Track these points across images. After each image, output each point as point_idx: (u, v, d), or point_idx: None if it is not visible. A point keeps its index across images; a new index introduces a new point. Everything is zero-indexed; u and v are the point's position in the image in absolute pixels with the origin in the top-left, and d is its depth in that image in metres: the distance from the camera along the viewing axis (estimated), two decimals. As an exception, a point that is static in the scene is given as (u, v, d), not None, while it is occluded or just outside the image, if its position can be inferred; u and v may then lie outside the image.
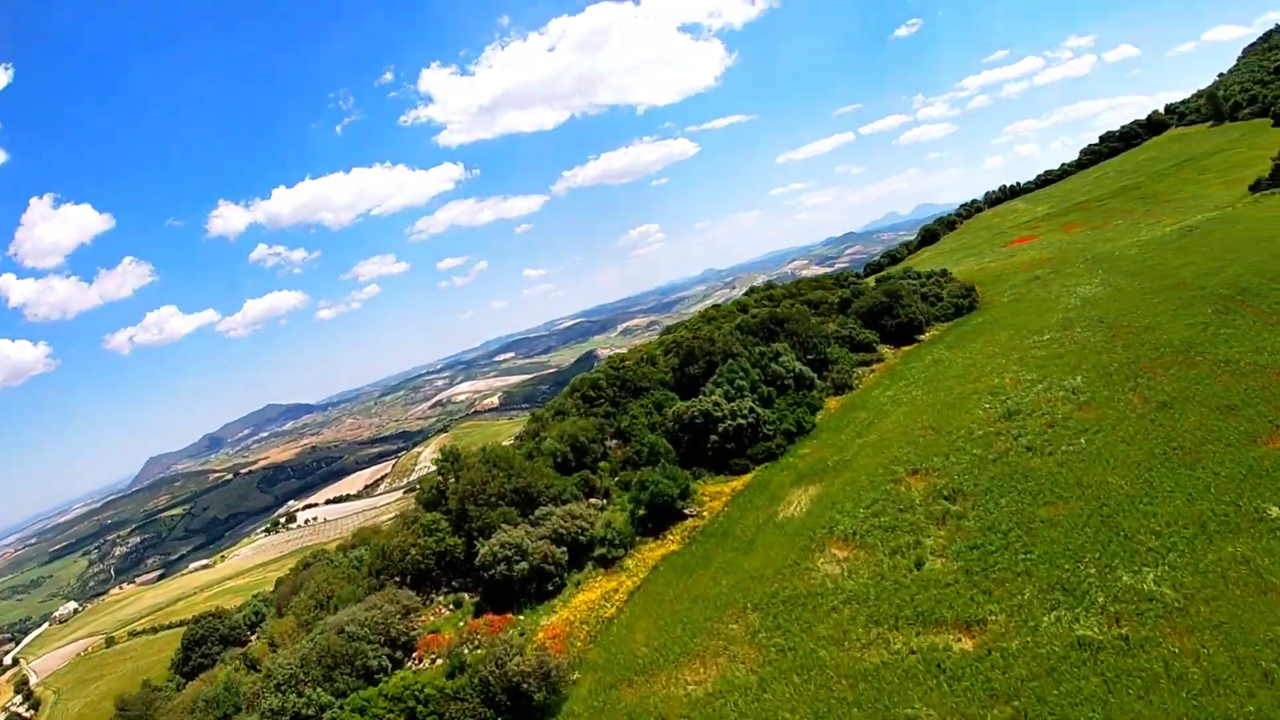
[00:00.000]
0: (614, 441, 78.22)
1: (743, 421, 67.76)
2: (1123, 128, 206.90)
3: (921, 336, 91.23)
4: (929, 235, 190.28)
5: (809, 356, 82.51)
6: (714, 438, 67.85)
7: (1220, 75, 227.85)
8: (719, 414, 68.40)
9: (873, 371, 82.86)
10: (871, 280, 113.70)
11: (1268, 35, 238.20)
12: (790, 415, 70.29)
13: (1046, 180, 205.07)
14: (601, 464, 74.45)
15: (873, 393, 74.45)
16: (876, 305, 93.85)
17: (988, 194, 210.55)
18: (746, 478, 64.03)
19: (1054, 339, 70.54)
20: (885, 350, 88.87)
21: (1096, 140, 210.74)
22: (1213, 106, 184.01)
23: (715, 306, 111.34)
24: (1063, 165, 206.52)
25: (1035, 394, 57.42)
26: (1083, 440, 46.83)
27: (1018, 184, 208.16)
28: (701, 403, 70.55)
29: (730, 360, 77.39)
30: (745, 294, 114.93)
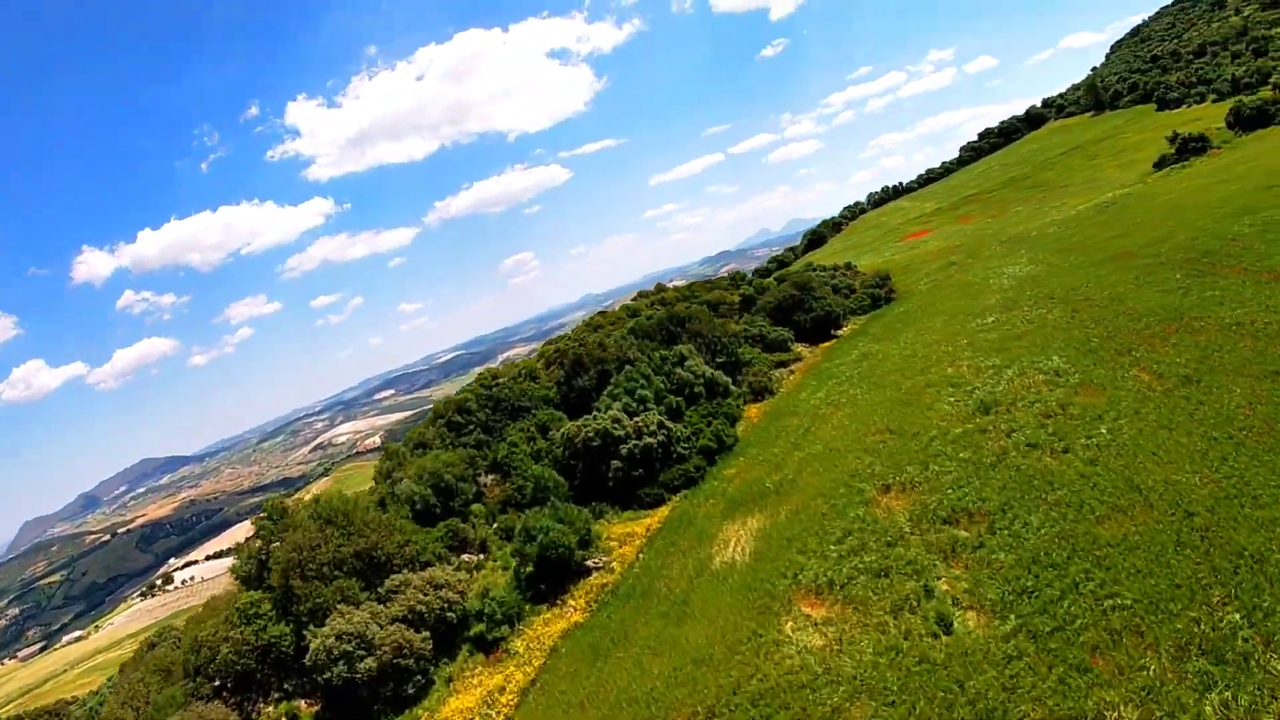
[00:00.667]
0: (490, 477, 63.03)
1: (651, 440, 54.15)
2: (1002, 123, 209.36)
3: (839, 331, 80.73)
4: (816, 238, 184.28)
5: (718, 359, 70.07)
6: (616, 463, 53.87)
7: (1094, 69, 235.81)
8: (620, 432, 54.58)
9: (792, 373, 71.28)
10: (771, 280, 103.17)
11: (1137, 29, 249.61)
12: (707, 429, 57.24)
13: (929, 179, 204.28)
14: (474, 507, 59.01)
15: (799, 396, 62.50)
16: (786, 300, 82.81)
17: (871, 195, 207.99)
18: (663, 511, 50.28)
19: (1002, 320, 60.92)
20: (801, 349, 77.71)
21: (975, 138, 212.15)
22: (1093, 96, 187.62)
23: (601, 313, 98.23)
24: (944, 164, 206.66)
25: (1008, 381, 46.59)
26: (1104, 430, 35.71)
27: (900, 184, 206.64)
28: (597, 420, 56.50)
29: (627, 367, 63.89)
30: (634, 299, 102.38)
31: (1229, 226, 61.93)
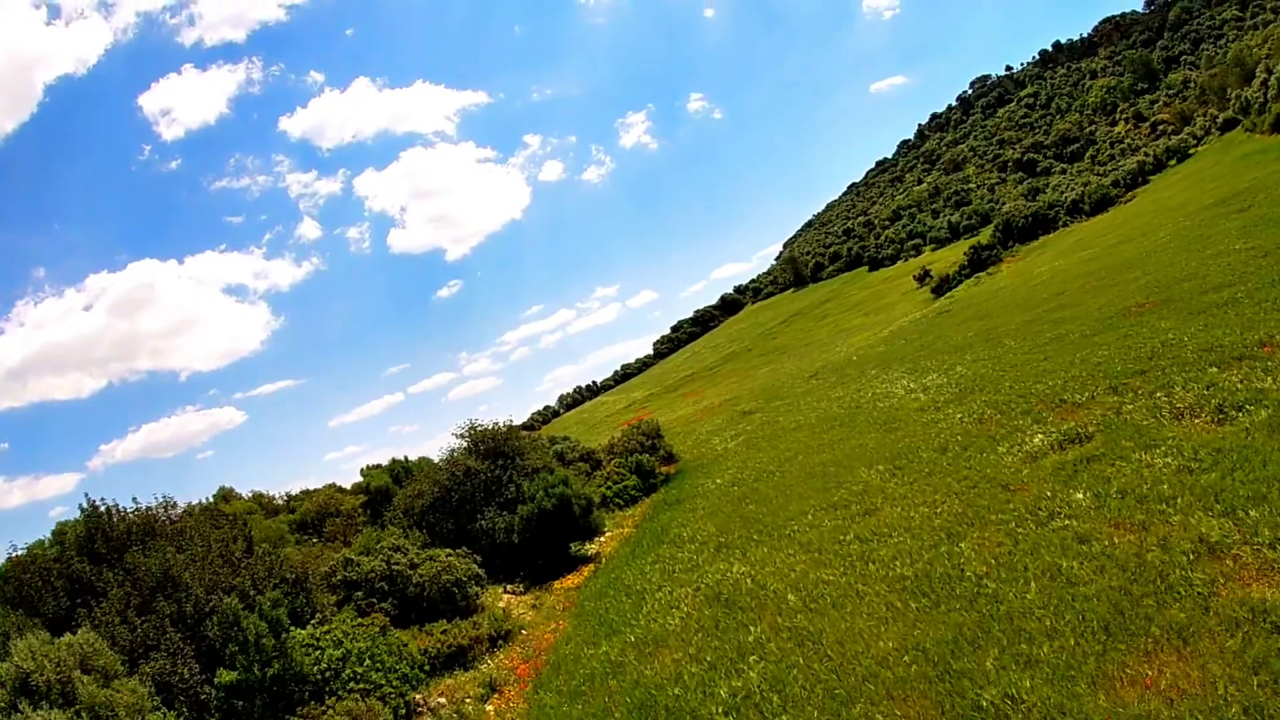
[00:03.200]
0: None
1: None
2: (696, 312, 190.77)
3: (592, 545, 33.84)
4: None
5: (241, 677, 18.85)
6: None
7: (777, 260, 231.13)
8: None
9: (490, 694, 21.94)
10: (425, 459, 54.57)
11: (810, 222, 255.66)
12: None
13: (626, 374, 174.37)
14: None
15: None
16: (461, 485, 34.79)
17: (562, 397, 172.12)
18: None
19: (1107, 441, 18.48)
20: (509, 599, 29.18)
21: (668, 331, 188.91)
22: (792, 271, 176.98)
23: None
24: (639, 359, 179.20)
25: None
26: None
27: (595, 383, 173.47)
28: None
29: None
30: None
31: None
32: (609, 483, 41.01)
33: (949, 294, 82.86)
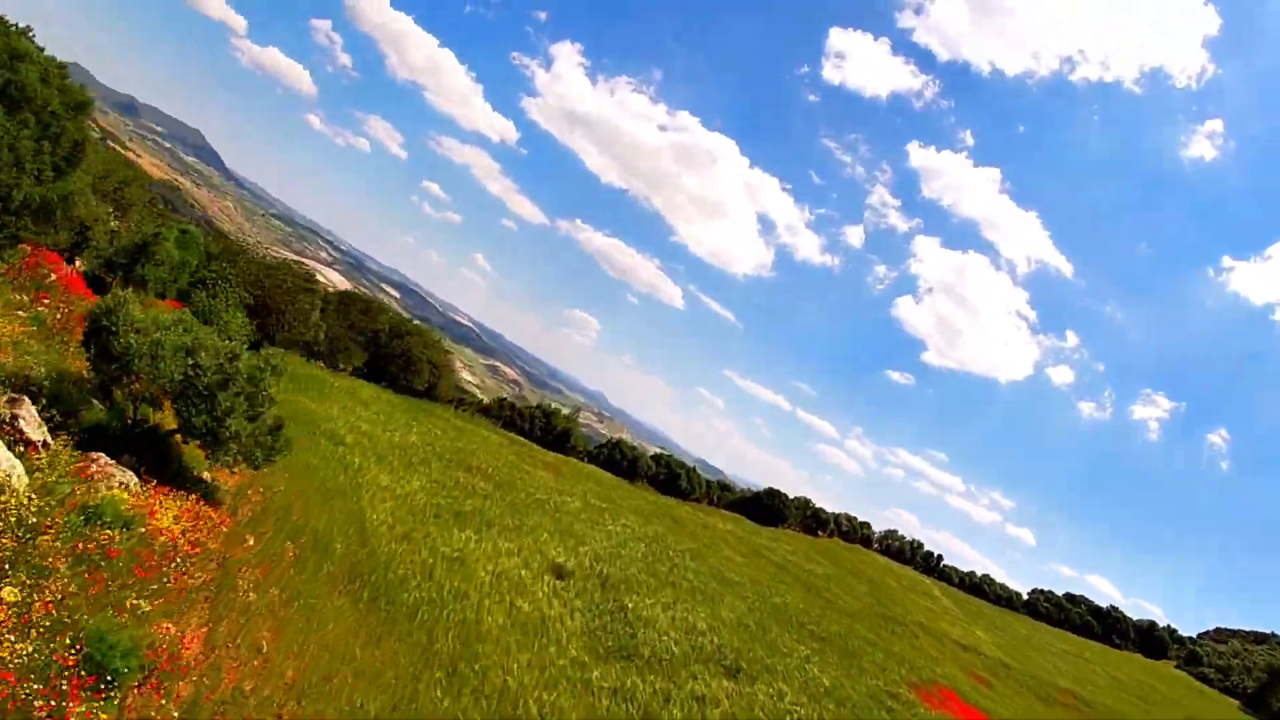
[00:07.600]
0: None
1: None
2: (1111, 609, 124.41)
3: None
4: (768, 500, 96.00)
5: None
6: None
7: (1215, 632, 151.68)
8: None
9: None
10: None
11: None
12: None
13: (975, 586, 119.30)
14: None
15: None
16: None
17: (887, 534, 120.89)
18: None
19: None
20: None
21: (1063, 595, 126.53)
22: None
23: None
24: (1008, 587, 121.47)
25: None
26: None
27: (938, 558, 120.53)
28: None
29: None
30: None
31: None
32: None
33: None
